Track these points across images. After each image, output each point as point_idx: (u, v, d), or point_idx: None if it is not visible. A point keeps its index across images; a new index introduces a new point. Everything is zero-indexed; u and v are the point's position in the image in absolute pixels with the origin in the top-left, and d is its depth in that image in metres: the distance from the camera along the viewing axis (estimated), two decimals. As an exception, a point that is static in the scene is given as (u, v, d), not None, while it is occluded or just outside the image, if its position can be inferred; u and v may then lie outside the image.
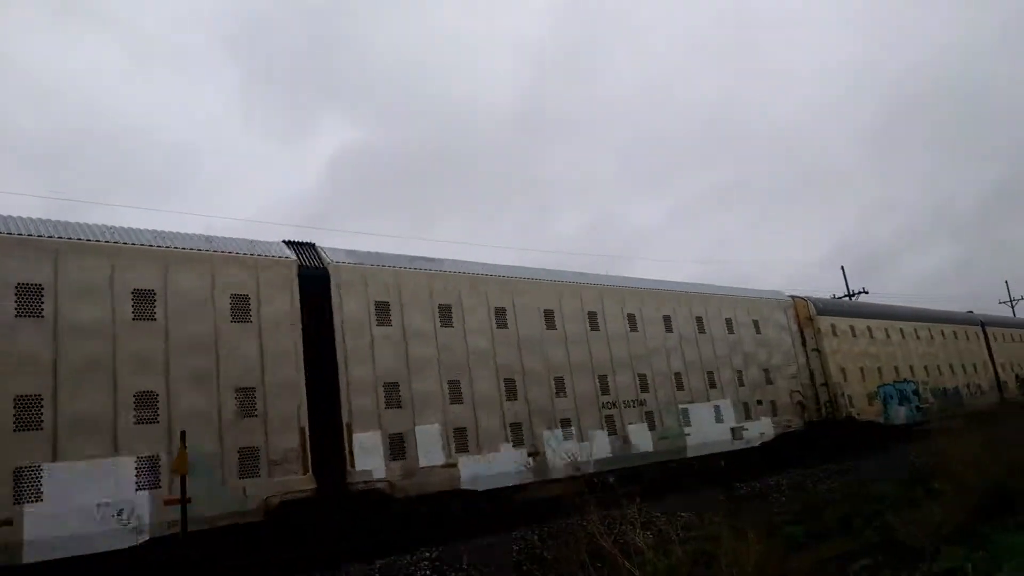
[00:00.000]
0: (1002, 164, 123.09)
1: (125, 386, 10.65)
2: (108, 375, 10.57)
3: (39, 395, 9.97)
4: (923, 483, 12.82)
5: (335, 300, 13.37)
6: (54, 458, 9.88)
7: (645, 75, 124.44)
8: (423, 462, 13.59)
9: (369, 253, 14.53)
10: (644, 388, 18.36)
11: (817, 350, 25.01)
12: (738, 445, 20.30)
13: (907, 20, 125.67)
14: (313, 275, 13.31)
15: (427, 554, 11.52)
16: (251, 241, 12.87)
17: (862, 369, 26.39)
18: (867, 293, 50.10)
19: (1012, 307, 64.68)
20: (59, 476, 9.84)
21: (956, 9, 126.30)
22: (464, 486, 14.09)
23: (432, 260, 15.42)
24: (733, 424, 20.37)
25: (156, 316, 11.23)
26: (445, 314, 14.95)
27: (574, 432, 16.35)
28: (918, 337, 30.71)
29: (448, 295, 15.09)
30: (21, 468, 9.63)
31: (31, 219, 10.89)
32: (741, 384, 21.20)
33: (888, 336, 28.72)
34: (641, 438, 17.70)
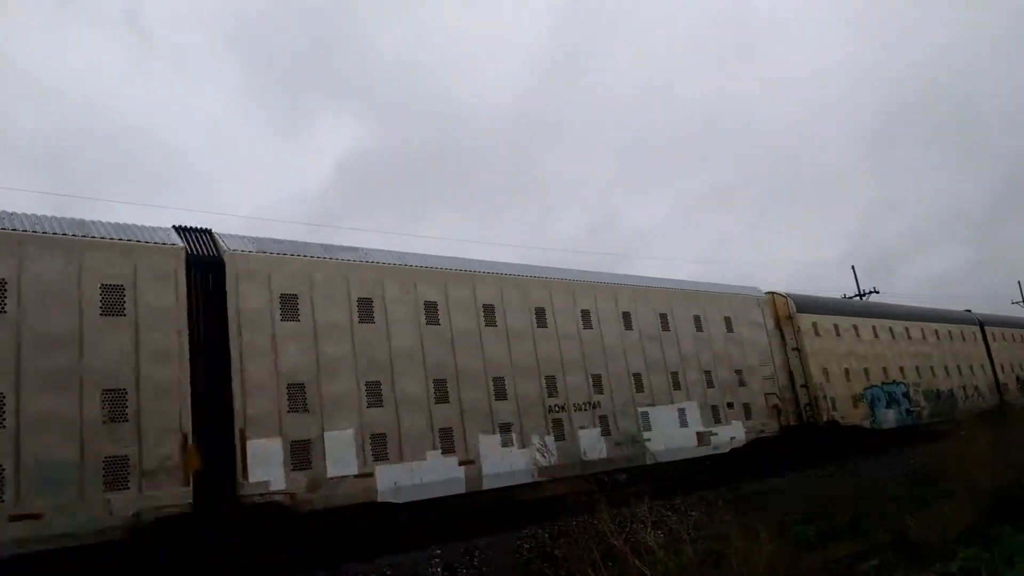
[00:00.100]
0: (1008, 164, 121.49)
1: (-39, 387, 9.35)
2: (-60, 374, 9.29)
3: None
4: (932, 484, 12.73)
5: (231, 292, 12.05)
6: None
7: (645, 75, 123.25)
8: (332, 472, 12.22)
9: (277, 241, 13.22)
10: (598, 390, 16.95)
11: (797, 349, 23.55)
12: (705, 451, 18.85)
13: (907, 20, 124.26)
14: (206, 264, 12.00)
15: (438, 551, 11.36)
16: (129, 225, 11.57)
17: (847, 370, 24.89)
18: (878, 293, 48.76)
19: None
20: None
21: (956, 9, 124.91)
22: (382, 498, 12.72)
23: (351, 249, 14.10)
24: (700, 428, 18.93)
25: (6, 308, 9.93)
26: (365, 308, 13.60)
27: (514, 438, 14.96)
28: (910, 337, 29.16)
29: (369, 288, 13.76)
30: None
31: None
32: (710, 386, 19.76)
33: (876, 335, 27.20)
34: (593, 444, 16.29)
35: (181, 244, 11.76)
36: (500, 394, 15.06)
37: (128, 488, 10.20)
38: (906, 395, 27.40)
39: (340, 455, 12.35)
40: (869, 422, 24.95)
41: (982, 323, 35.56)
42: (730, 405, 20.07)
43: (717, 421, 19.48)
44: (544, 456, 15.07)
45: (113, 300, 10.79)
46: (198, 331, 11.57)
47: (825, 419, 22.91)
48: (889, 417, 25.98)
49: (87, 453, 10.01)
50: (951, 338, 32.06)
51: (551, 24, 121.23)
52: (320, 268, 13.22)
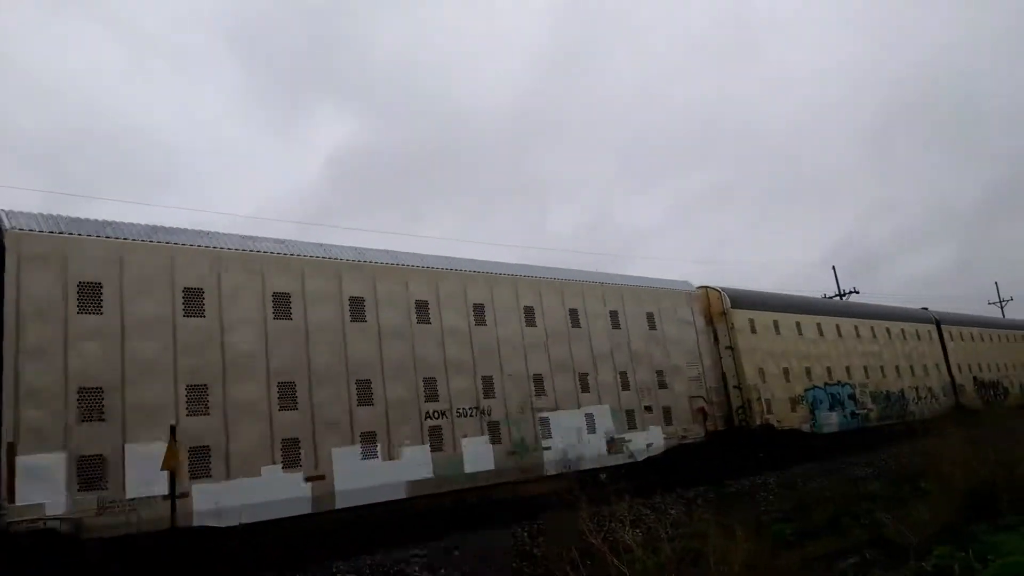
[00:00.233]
0: (999, 165, 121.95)
1: None
2: None
3: None
4: (908, 483, 13.10)
5: (10, 278, 10.15)
6: None
7: (644, 75, 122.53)
8: (133, 492, 10.38)
9: (81, 220, 11.30)
10: (489, 393, 15.21)
11: (731, 348, 21.96)
12: (617, 459, 17.18)
13: (907, 21, 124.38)
14: (-22, 245, 10.09)
15: (417, 551, 11.31)
16: None
17: (786, 370, 23.35)
18: (858, 293, 47.81)
19: (1001, 308, 62.80)
20: None
21: (956, 10, 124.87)
22: (199, 521, 10.90)
23: (179, 231, 12.20)
24: (611, 435, 17.25)
25: None
26: (193, 300, 11.74)
27: (379, 449, 13.19)
28: (858, 335, 27.71)
29: (200, 276, 11.90)
30: None
31: None
32: (625, 388, 18.09)
33: (821, 333, 25.69)
34: (479, 454, 14.56)
35: (-60, 220, 9.84)
36: (365, 398, 13.27)
37: None
38: (852, 397, 25.95)
39: (145, 472, 10.49)
40: (809, 425, 23.45)
41: (939, 321, 34.26)
42: (648, 409, 18.43)
43: (632, 427, 17.83)
44: (417, 469, 13.35)
45: None
46: (-38, 325, 9.68)
47: (759, 423, 21.35)
48: (832, 420, 24.50)
49: None
50: (904, 337, 30.68)
51: (550, 24, 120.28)
52: (135, 252, 11.34)
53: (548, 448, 15.83)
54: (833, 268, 58.32)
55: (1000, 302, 64.34)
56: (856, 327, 27.72)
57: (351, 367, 13.22)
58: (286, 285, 12.80)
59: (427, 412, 14.07)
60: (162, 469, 9.96)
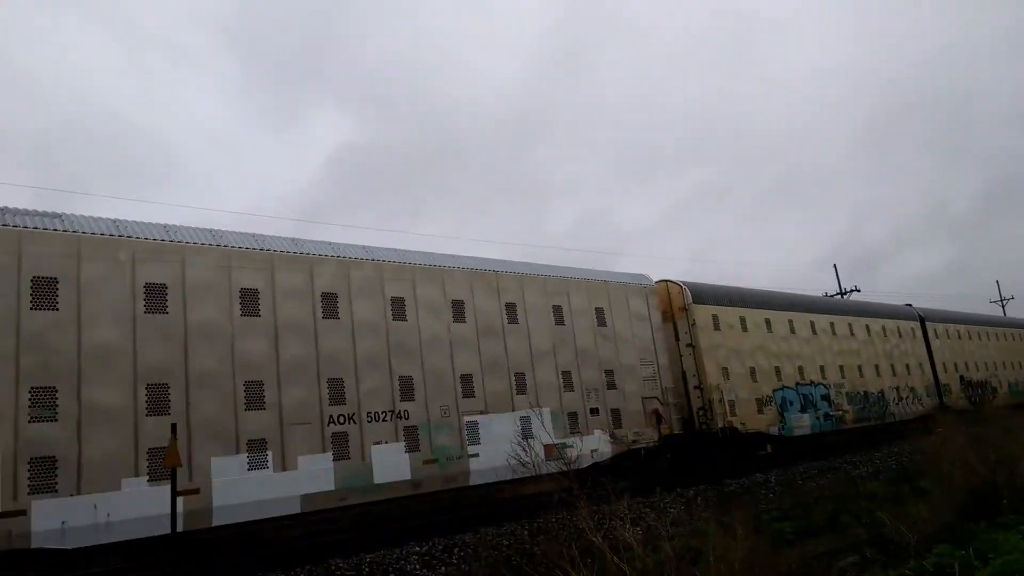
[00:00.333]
0: (997, 165, 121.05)
1: None
2: None
3: None
4: (908, 481, 13.12)
5: None
6: None
7: (641, 74, 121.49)
8: (-46, 511, 9.02)
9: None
10: (407, 395, 13.84)
11: (692, 345, 20.59)
12: (556, 467, 15.77)
13: (902, 23, 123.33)
14: None
15: (417, 548, 11.31)
16: None
17: (753, 369, 21.97)
18: (859, 291, 46.79)
19: (1003, 307, 61.95)
20: None
21: (952, 12, 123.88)
22: (39, 543, 9.54)
23: (29, 214, 10.81)
24: (550, 440, 15.86)
25: None
26: (44, 292, 10.36)
27: (271, 458, 11.82)
28: (834, 332, 26.32)
29: (51, 265, 10.51)
30: None
31: None
32: (569, 388, 16.72)
33: (793, 330, 24.31)
34: (392, 462, 13.19)
35: None
36: (255, 402, 11.89)
37: None
38: (826, 398, 24.57)
39: (-31, 488, 9.12)
40: (778, 428, 22.08)
41: (923, 318, 32.87)
42: (594, 411, 17.05)
43: (575, 431, 16.46)
44: (315, 480, 11.99)
45: None
46: None
47: (721, 425, 19.98)
48: (803, 422, 23.13)
49: None
50: (884, 334, 29.29)
51: (547, 25, 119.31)
52: (-29, 236, 9.96)
53: (475, 456, 14.45)
54: (835, 267, 57.11)
55: (1001, 300, 63.44)
56: (832, 324, 26.33)
57: (240, 367, 11.84)
58: (158, 275, 11.42)
59: (331, 416, 12.69)
60: (164, 467, 9.81)
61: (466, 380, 14.84)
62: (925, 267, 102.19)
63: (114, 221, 11.51)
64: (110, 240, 11.10)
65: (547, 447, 15.47)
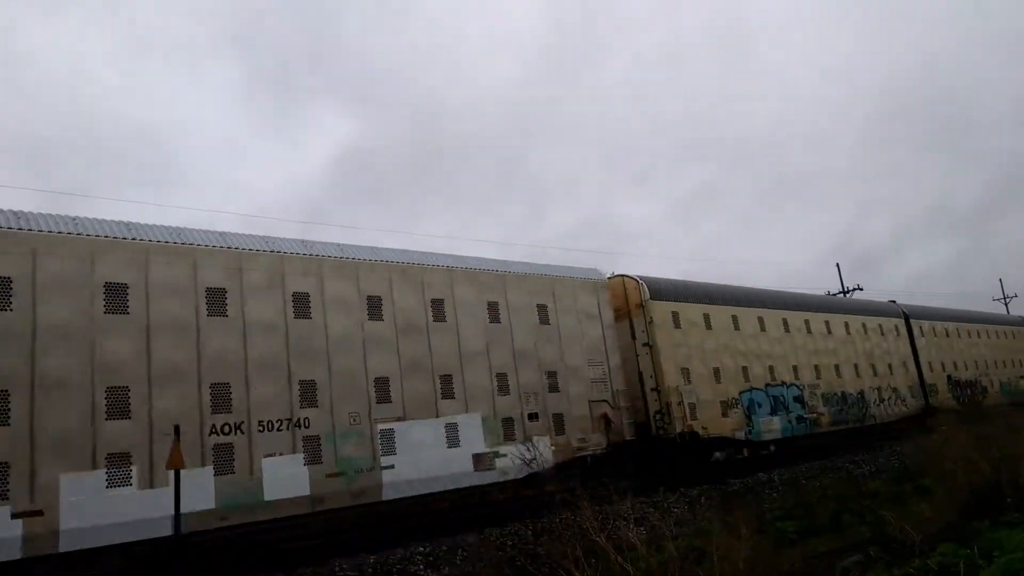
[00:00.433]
0: (997, 164, 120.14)
1: None
2: None
3: None
4: (911, 480, 13.15)
5: None
6: None
7: (640, 74, 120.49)
8: None
9: None
10: (308, 402, 12.47)
11: (649, 345, 19.21)
12: (487, 477, 14.44)
13: (900, 25, 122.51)
14: None
15: (420, 549, 11.35)
16: None
17: (717, 370, 20.58)
18: (861, 289, 45.76)
19: (1006, 304, 61.03)
20: None
21: (950, 14, 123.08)
22: None
23: None
24: (480, 449, 14.50)
25: None
26: None
27: (135, 474, 10.44)
28: (809, 330, 24.92)
29: None
30: None
31: None
32: (504, 392, 15.34)
33: (763, 328, 22.92)
34: (287, 476, 11.81)
35: None
36: (118, 411, 10.52)
37: None
38: (799, 399, 23.17)
39: None
40: (745, 432, 20.69)
41: (908, 315, 31.47)
42: (534, 417, 15.67)
43: (510, 438, 15.08)
44: (191, 498, 10.61)
45: None
46: None
47: (679, 430, 18.59)
48: (773, 426, 21.74)
49: None
50: (865, 332, 27.88)
51: (545, 22, 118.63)
52: None
53: (390, 467, 13.07)
54: (837, 265, 55.77)
55: (1004, 298, 62.44)
56: (807, 321, 24.94)
57: (101, 371, 10.47)
58: (4, 267, 10.05)
59: (213, 426, 11.32)
60: (167, 468, 9.73)
61: (382, 383, 13.47)
62: (928, 265, 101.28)
63: (-51, 206, 10.15)
64: (-60, 227, 9.74)
65: (476, 456, 14.14)
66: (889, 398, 27.81)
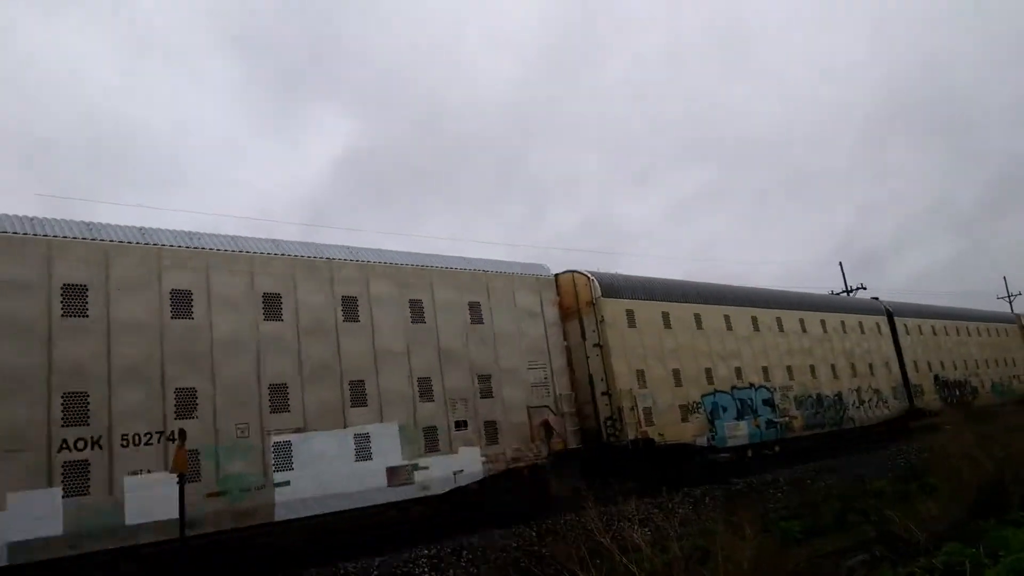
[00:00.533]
0: (999, 163, 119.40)
1: None
2: None
3: None
4: (916, 479, 13.01)
5: None
6: None
7: (639, 73, 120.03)
8: None
9: None
10: (187, 412, 11.08)
11: (600, 345, 17.83)
12: (403, 493, 13.05)
13: (901, 25, 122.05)
14: None
15: (425, 551, 11.37)
16: None
17: (676, 372, 19.19)
18: (864, 288, 44.62)
19: (1010, 302, 60.19)
20: None
21: (950, 14, 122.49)
22: None
23: None
24: (397, 461, 13.11)
25: None
26: None
27: (-41, 497, 9.06)
28: (781, 329, 23.52)
29: None
30: None
31: None
32: (427, 398, 13.96)
33: (729, 327, 21.52)
34: (155, 498, 10.41)
35: None
36: (-58, 425, 9.14)
37: None
38: (769, 402, 21.77)
39: None
40: (707, 438, 19.28)
41: (892, 313, 30.07)
42: (461, 425, 14.28)
43: (433, 449, 13.68)
44: (33, 524, 9.23)
45: None
46: None
47: (632, 437, 17.19)
48: (739, 431, 20.33)
49: None
50: (844, 330, 26.47)
51: (546, 22, 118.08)
52: None
53: (284, 484, 11.68)
54: (840, 264, 54.47)
55: (1008, 296, 61.75)
56: (779, 319, 23.54)
57: (-78, 379, 9.10)
58: None
59: (65, 441, 9.93)
60: (171, 472, 9.52)
61: (278, 391, 12.08)
62: (930, 264, 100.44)
63: None
64: None
65: (391, 470, 12.75)
66: (870, 400, 26.39)
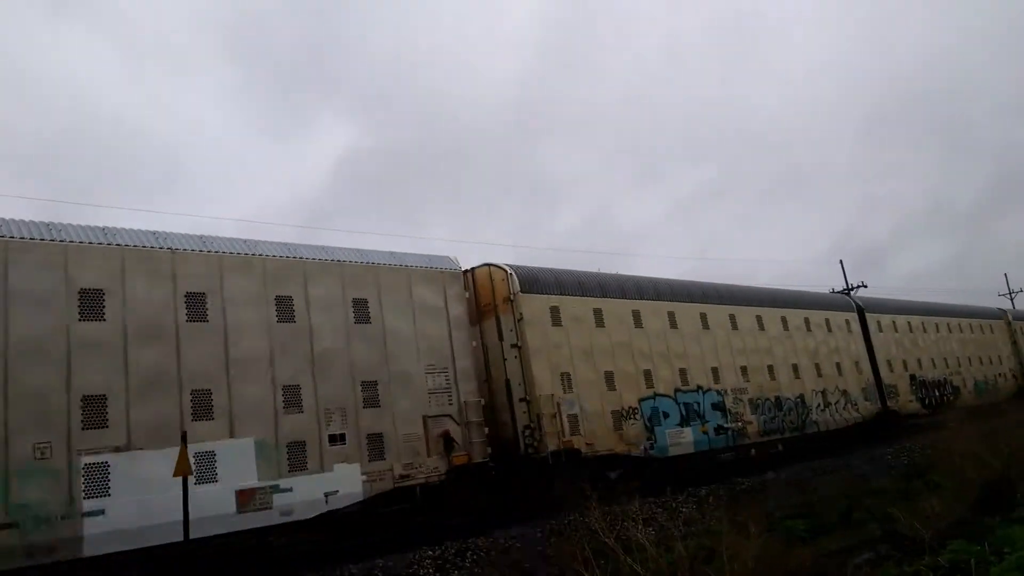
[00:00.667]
0: (999, 160, 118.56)
1: None
2: None
3: None
4: (920, 477, 13.19)
5: None
6: None
7: (640, 72, 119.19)
8: None
9: None
10: (-35, 429, 9.26)
11: (518, 346, 16.03)
12: (260, 520, 11.24)
13: (899, 21, 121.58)
14: None
15: (430, 552, 11.32)
16: None
17: (610, 374, 17.39)
18: (865, 287, 42.86)
19: (1011, 299, 58.90)
20: None
21: (949, 10, 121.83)
22: None
23: None
24: (251, 483, 11.30)
25: None
26: None
27: None
28: (735, 326, 21.72)
29: None
30: None
31: None
32: (295, 409, 12.15)
33: (674, 324, 19.72)
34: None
35: None
36: None
37: None
38: (719, 406, 19.96)
39: None
40: (645, 447, 17.47)
41: (863, 308, 28.30)
42: (337, 439, 12.47)
43: (298, 468, 11.87)
44: None
45: None
46: None
47: (553, 447, 15.38)
48: (684, 438, 18.51)
49: None
50: (808, 328, 24.68)
51: (548, 22, 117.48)
52: None
53: (97, 513, 9.86)
54: (840, 262, 53.25)
55: (1010, 293, 60.44)
56: (732, 316, 21.74)
57: None
58: None
59: None
60: (175, 476, 9.18)
61: (94, 403, 10.26)
62: (931, 261, 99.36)
63: None
64: None
65: (242, 493, 10.93)
66: (837, 402, 24.59)
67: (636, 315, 18.71)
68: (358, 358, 13.16)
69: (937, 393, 30.84)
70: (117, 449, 10.26)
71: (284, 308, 12.52)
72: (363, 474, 12.57)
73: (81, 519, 9.75)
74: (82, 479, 9.90)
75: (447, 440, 13.87)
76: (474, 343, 15.33)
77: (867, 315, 28.17)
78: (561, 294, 17.19)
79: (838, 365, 25.35)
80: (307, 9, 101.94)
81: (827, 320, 25.78)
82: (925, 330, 31.79)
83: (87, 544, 9.73)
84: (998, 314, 40.09)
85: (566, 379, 16.38)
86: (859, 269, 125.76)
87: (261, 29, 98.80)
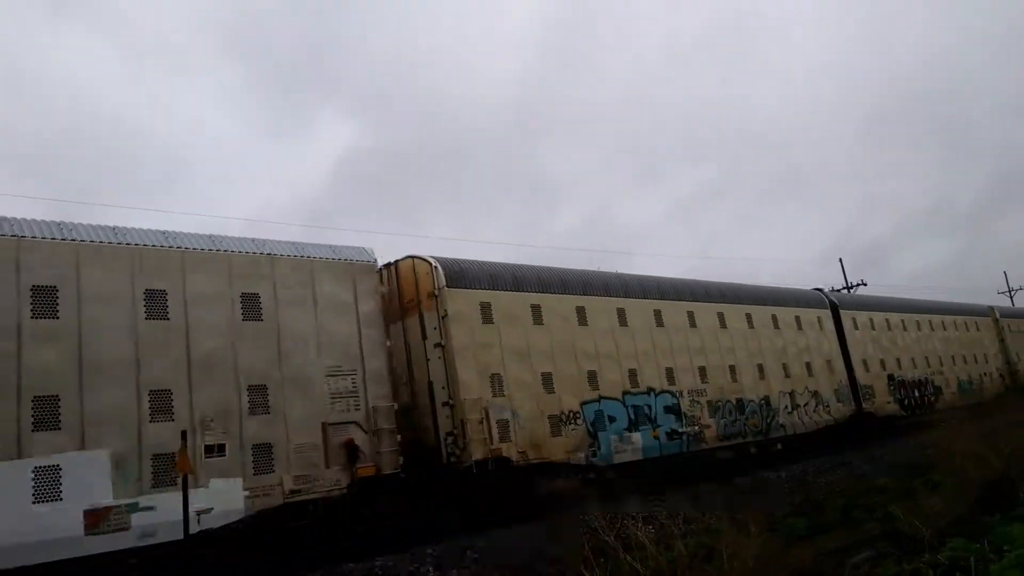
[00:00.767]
0: (1000, 159, 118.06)
1: None
2: None
3: None
4: (920, 475, 13.11)
5: None
6: None
7: (639, 73, 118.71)
8: None
9: None
10: None
11: (442, 345, 14.70)
12: (114, 543, 9.88)
13: (899, 20, 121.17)
14: None
15: (430, 551, 11.34)
16: None
17: (548, 376, 16.05)
18: (865, 285, 41.97)
19: (1011, 297, 58.08)
20: None
21: (949, 10, 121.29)
22: None
23: None
24: (104, 501, 9.94)
25: None
26: None
27: None
28: (693, 324, 20.39)
29: None
30: None
31: None
32: (163, 417, 10.79)
33: (623, 322, 18.38)
34: None
35: None
36: None
37: None
38: (673, 409, 18.62)
39: None
40: (586, 455, 16.13)
41: (836, 305, 26.99)
42: (215, 450, 11.11)
43: (166, 483, 10.51)
44: None
45: None
46: None
47: (478, 456, 14.04)
48: (632, 444, 17.17)
49: None
50: (775, 325, 23.36)
51: (548, 21, 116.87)
52: None
53: (-99, 540, 8.50)
54: (840, 261, 52.33)
55: (1009, 291, 59.85)
56: (691, 313, 20.41)
57: None
58: None
59: None
60: (176, 473, 9.38)
61: (-95, 412, 8.91)
62: (932, 261, 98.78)
63: None
64: None
65: (91, 513, 9.56)
66: (807, 404, 23.27)
67: (580, 312, 17.37)
68: (245, 359, 11.81)
69: (917, 394, 29.56)
70: (-68, 465, 8.91)
71: (155, 304, 11.16)
72: (246, 489, 11.21)
73: None
74: None
75: (351, 449, 12.52)
76: (389, 342, 13.98)
77: (842, 312, 26.87)
78: (493, 289, 15.87)
79: (808, 365, 24.03)
80: (307, 9, 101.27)
81: (797, 317, 24.46)
82: (905, 328, 30.51)
83: None
84: (984, 311, 38.83)
85: (497, 381, 15.05)
86: (859, 269, 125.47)
87: (261, 29, 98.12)
